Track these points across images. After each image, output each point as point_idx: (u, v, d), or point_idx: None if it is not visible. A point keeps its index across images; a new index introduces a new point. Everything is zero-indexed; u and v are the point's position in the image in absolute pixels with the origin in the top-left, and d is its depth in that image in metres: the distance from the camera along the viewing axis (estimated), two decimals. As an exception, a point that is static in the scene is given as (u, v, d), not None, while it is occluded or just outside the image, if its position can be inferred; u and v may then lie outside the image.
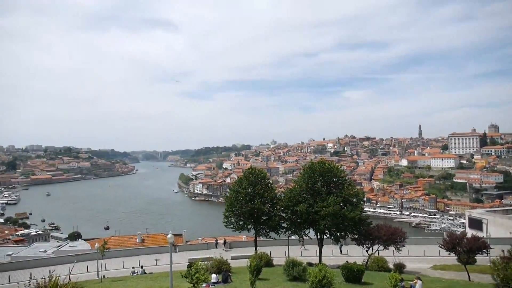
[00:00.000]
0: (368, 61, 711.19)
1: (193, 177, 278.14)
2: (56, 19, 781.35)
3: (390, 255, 34.43)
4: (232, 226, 39.62)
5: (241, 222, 38.95)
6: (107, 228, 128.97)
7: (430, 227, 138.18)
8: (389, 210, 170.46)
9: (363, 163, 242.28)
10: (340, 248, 42.74)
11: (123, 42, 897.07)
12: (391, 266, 32.21)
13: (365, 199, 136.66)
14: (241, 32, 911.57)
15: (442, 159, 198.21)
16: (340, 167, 39.91)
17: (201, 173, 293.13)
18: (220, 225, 45.01)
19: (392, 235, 33.66)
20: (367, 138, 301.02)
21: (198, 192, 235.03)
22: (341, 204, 33.87)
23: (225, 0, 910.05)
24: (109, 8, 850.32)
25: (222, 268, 26.71)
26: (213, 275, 23.67)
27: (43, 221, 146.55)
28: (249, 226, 39.33)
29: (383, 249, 34.75)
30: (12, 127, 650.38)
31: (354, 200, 35.50)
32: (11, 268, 38.54)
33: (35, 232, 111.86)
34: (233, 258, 37.53)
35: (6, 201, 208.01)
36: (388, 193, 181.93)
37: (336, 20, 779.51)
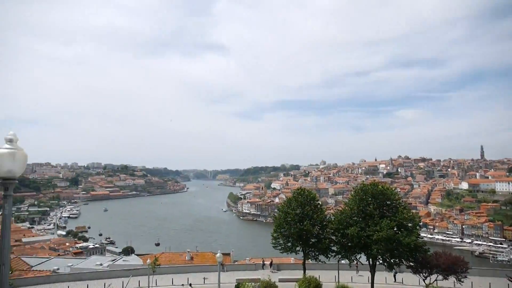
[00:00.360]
0: (424, 78, 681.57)
1: (242, 197, 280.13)
2: (118, 46, 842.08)
3: (450, 286, 31.99)
4: (280, 247, 39.03)
5: (289, 244, 38.28)
6: (157, 244, 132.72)
7: (496, 257, 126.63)
8: (448, 237, 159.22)
9: (419, 186, 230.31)
10: (395, 276, 40.39)
11: (178, 66, 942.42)
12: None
13: (421, 224, 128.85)
14: (291, 53, 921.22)
15: (509, 183, 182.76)
16: (394, 189, 38.26)
17: (250, 192, 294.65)
18: (268, 245, 44.55)
19: (453, 264, 31.27)
20: (423, 159, 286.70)
21: (247, 211, 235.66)
22: (395, 229, 32.24)
23: (276, 23, 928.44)
24: (166, 34, 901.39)
25: (270, 291, 26.23)
26: (261, 297, 23.29)
27: (100, 235, 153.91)
28: (298, 248, 38.56)
29: (442, 279, 32.34)
30: (77, 146, 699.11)
31: (410, 224, 33.61)
32: (70, 279, 40.74)
33: (93, 245, 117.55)
34: (280, 280, 36.83)
35: (68, 215, 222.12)
36: (446, 218, 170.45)
37: (389, 38, 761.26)
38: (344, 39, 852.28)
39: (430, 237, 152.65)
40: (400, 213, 33.20)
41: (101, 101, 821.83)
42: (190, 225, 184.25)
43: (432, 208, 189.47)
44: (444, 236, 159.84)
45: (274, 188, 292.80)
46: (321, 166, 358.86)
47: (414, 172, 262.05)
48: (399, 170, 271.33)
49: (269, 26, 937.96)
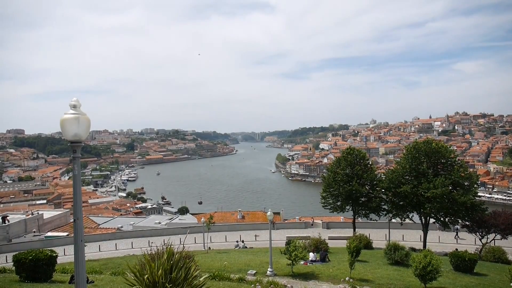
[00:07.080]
0: (487, 26, 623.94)
1: (290, 158, 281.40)
2: (165, 13, 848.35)
3: (509, 246, 30.72)
4: (329, 206, 39.41)
5: (338, 203, 38.52)
6: (200, 203, 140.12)
7: None
8: (508, 196, 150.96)
9: (477, 143, 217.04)
10: (457, 234, 39.65)
11: (223, 28, 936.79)
12: (511, 258, 28.70)
13: (479, 182, 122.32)
14: (338, 8, 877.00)
15: None
16: (449, 147, 36.48)
17: (298, 153, 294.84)
18: (317, 205, 45.03)
19: (513, 224, 29.85)
20: (483, 115, 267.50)
21: (295, 172, 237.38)
22: (451, 187, 31.15)
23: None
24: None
25: (320, 247, 26.82)
26: (311, 254, 23.96)
27: (163, 198, 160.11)
28: (347, 207, 38.69)
29: (500, 239, 31.13)
30: (131, 113, 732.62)
31: (466, 183, 32.28)
32: (133, 236, 44.32)
33: (151, 205, 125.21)
34: (330, 238, 37.46)
35: (127, 178, 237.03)
36: (508, 177, 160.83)
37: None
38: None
39: (488, 197, 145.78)
40: (456, 171, 31.91)
41: (151, 67, 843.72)
42: (240, 186, 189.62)
43: (492, 167, 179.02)
44: (504, 196, 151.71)
45: (323, 149, 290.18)
46: (371, 125, 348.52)
47: (473, 129, 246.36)
48: (456, 127, 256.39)
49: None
